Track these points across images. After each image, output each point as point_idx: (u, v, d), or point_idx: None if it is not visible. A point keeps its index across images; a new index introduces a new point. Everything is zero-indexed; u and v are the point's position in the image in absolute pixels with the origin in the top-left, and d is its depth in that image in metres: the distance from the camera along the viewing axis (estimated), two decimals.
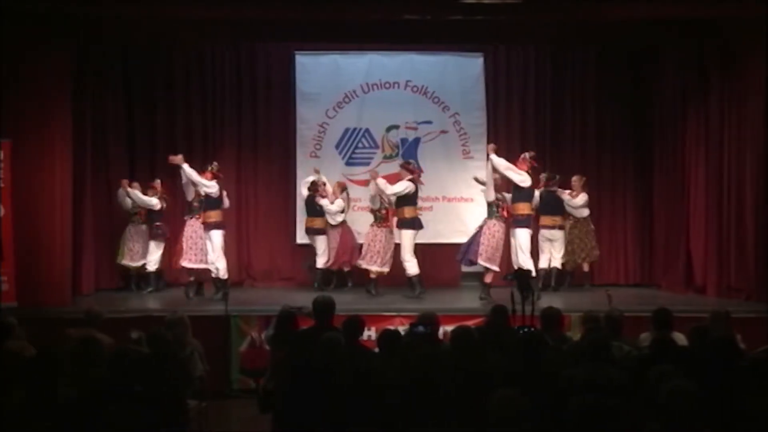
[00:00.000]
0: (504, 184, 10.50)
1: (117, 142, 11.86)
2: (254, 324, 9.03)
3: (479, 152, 12.22)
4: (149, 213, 11.34)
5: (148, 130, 12.11)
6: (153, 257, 11.26)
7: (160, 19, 10.37)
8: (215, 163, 10.77)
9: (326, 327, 6.01)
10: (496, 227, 10.25)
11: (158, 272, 11.39)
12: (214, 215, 10.50)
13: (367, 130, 12.27)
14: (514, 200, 10.30)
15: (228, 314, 9.02)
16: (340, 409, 4.58)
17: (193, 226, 10.67)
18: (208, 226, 10.49)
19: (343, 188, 11.51)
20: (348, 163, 12.23)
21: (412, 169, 10.71)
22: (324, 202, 11.29)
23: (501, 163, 10.12)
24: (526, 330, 6.23)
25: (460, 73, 12.34)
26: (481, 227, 10.38)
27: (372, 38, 11.61)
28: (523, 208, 10.26)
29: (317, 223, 11.47)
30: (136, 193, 11.15)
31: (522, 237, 10.22)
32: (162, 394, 4.94)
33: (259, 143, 12.31)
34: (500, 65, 12.39)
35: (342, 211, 11.37)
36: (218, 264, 10.48)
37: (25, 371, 4.80)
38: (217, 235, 10.48)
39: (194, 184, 10.50)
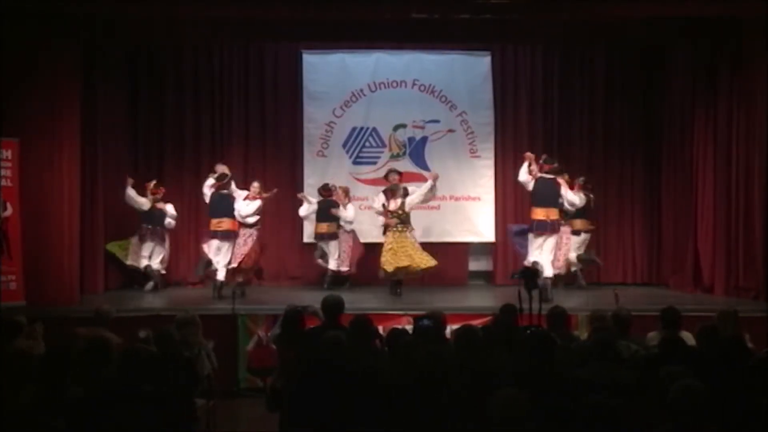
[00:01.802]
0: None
1: (126, 140, 11.91)
2: (261, 323, 9.03)
3: (486, 151, 12.27)
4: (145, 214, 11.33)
5: (157, 128, 12.17)
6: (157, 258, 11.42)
7: (169, 18, 10.39)
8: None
9: (334, 326, 6.01)
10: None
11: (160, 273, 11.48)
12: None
13: (374, 129, 12.27)
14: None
15: (235, 313, 9.05)
16: (347, 408, 4.58)
17: None
18: None
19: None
20: (355, 162, 12.24)
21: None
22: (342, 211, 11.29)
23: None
24: (532, 329, 6.23)
25: (467, 72, 12.34)
26: None
27: (379, 37, 11.61)
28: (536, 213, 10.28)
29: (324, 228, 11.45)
30: (129, 192, 11.16)
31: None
32: (170, 394, 4.95)
33: (267, 142, 12.33)
34: (508, 64, 12.38)
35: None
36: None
37: (34, 370, 4.82)
38: None
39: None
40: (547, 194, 10.23)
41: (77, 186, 10.29)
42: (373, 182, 11.62)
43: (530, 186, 10.23)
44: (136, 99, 12.08)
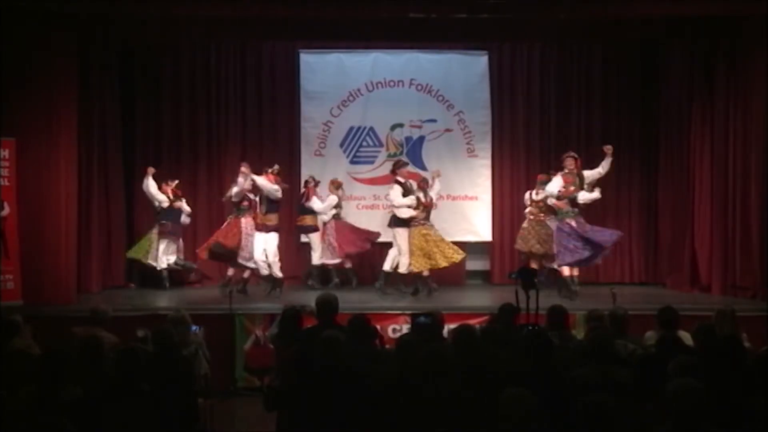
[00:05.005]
0: None
1: (122, 139, 11.88)
2: (259, 322, 9.04)
3: (484, 150, 12.27)
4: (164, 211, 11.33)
5: (153, 127, 12.16)
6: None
7: (166, 17, 10.39)
8: (276, 166, 10.83)
9: (329, 325, 5.98)
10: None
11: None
12: (273, 218, 10.59)
13: (371, 129, 12.27)
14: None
15: (233, 312, 9.05)
16: (344, 408, 4.58)
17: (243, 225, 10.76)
18: (266, 228, 10.55)
19: (338, 186, 11.50)
20: (352, 162, 12.23)
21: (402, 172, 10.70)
22: (314, 202, 11.27)
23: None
24: (530, 328, 6.23)
25: (464, 72, 12.33)
26: (572, 227, 10.30)
27: (377, 37, 11.61)
28: None
29: (308, 220, 11.41)
30: (149, 183, 11.08)
31: None
32: (168, 393, 4.95)
33: (264, 142, 12.33)
34: (505, 63, 12.39)
35: (337, 206, 11.35)
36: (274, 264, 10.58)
37: (32, 369, 4.82)
38: (274, 238, 10.61)
39: (264, 191, 10.53)
40: None
41: (75, 184, 10.30)
42: (371, 181, 11.60)
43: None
44: (133, 98, 12.07)
